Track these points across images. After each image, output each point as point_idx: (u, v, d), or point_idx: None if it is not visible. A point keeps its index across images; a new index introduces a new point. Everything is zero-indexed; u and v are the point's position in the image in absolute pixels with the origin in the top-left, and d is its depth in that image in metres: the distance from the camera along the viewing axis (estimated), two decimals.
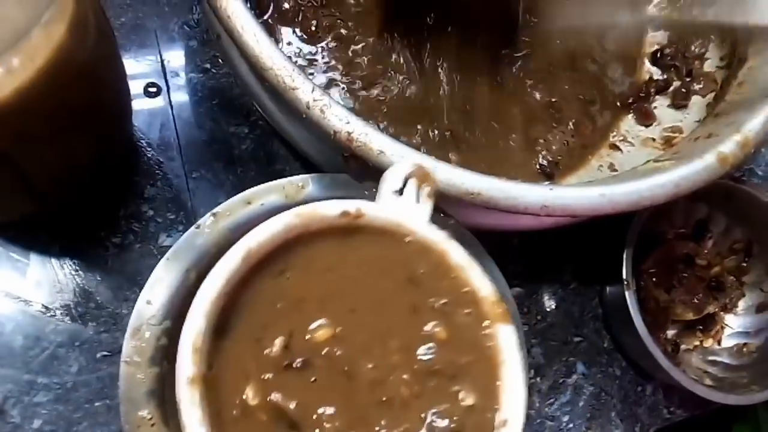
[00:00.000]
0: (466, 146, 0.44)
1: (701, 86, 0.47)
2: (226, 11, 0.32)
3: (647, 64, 0.50)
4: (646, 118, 0.47)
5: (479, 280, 0.29)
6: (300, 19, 0.44)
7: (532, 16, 0.47)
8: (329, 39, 0.44)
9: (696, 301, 0.46)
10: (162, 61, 0.44)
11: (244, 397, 0.26)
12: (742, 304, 0.47)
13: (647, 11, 0.43)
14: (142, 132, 0.43)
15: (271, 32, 0.43)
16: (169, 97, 0.44)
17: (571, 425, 0.45)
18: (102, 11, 0.33)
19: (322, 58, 0.44)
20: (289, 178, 0.32)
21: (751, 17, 0.38)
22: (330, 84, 0.44)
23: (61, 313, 0.39)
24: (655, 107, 0.48)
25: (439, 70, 0.45)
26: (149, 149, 0.42)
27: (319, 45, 0.44)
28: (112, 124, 0.38)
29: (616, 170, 0.45)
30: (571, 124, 0.47)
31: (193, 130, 0.43)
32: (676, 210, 0.47)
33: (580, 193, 0.33)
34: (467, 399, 0.28)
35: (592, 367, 0.46)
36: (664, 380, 0.45)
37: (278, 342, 0.26)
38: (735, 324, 0.47)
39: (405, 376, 0.27)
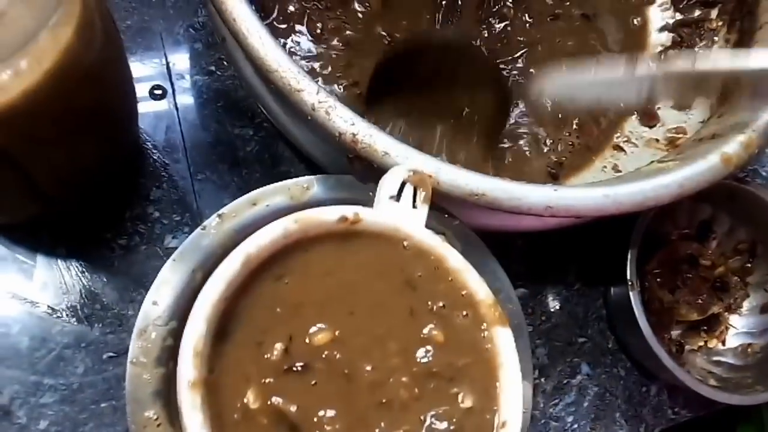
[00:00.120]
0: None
1: None
2: (231, 14, 0.32)
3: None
4: (650, 119, 0.47)
5: (476, 284, 0.29)
6: (305, 21, 0.45)
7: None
8: (335, 41, 0.45)
9: (700, 301, 0.46)
10: (167, 64, 0.45)
11: (245, 400, 0.26)
12: (746, 305, 0.47)
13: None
14: (147, 134, 0.43)
15: (276, 35, 0.43)
16: (175, 100, 0.44)
17: (575, 426, 0.45)
18: (109, 14, 0.33)
19: (328, 59, 0.44)
20: (295, 180, 0.32)
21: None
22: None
23: (68, 315, 0.39)
24: (659, 108, 0.48)
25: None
26: (155, 151, 0.43)
27: (325, 47, 0.45)
28: (118, 126, 0.39)
29: (620, 171, 0.45)
30: (575, 124, 0.47)
31: (198, 132, 0.44)
32: (680, 211, 0.47)
33: (584, 194, 0.33)
34: (466, 401, 0.28)
35: (597, 367, 0.46)
36: (668, 381, 0.45)
37: (278, 346, 0.27)
38: (739, 324, 0.47)
39: (404, 379, 0.27)
